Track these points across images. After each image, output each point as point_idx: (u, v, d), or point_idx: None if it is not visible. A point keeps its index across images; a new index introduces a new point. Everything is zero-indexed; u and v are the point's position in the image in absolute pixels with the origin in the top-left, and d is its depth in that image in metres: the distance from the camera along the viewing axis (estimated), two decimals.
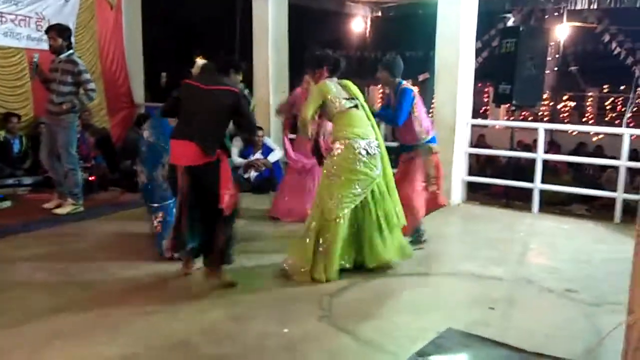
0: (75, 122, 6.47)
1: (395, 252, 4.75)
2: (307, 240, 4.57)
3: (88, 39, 8.99)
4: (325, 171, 4.66)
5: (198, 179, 4.19)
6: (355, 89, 4.75)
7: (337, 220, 4.49)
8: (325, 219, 4.52)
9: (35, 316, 3.77)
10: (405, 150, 5.46)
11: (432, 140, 5.46)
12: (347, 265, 4.66)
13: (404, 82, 5.44)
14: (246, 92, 4.86)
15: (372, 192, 4.62)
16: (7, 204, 6.65)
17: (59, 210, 6.40)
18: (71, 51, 6.33)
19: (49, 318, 3.75)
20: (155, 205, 4.99)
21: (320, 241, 4.53)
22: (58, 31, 6.30)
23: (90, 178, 7.57)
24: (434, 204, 5.62)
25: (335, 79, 4.76)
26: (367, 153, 4.53)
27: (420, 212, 5.38)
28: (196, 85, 4.34)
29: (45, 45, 6.70)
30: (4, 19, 7.80)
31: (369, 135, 4.60)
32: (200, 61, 5.17)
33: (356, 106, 4.65)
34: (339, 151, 4.56)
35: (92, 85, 6.31)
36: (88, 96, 6.30)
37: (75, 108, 6.29)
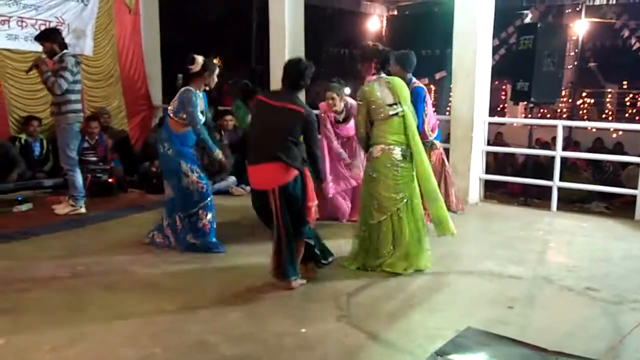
0: (75, 124, 6.40)
1: (426, 259, 4.80)
2: (356, 241, 4.85)
3: (107, 42, 9.10)
4: (365, 176, 4.82)
5: (289, 196, 4.18)
6: (401, 89, 4.71)
7: (380, 222, 4.66)
8: (369, 222, 4.71)
9: (56, 316, 3.83)
10: None
11: (437, 137, 5.63)
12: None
13: (414, 79, 5.46)
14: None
15: (409, 199, 4.69)
16: (28, 206, 6.75)
17: (58, 210, 6.48)
18: (64, 51, 6.29)
19: (70, 318, 3.81)
20: (195, 210, 5.11)
21: (366, 241, 4.75)
22: (44, 36, 6.36)
23: (109, 180, 7.65)
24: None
25: (383, 75, 4.74)
26: (404, 158, 4.64)
27: None
28: (266, 101, 4.34)
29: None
30: (24, 24, 7.91)
31: (404, 143, 4.65)
32: (199, 58, 5.12)
33: (397, 114, 4.64)
34: (378, 155, 4.66)
35: (60, 81, 6.12)
36: (55, 84, 6.13)
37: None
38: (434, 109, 6.00)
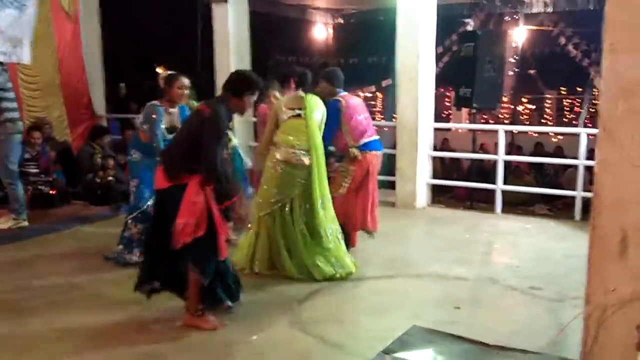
0: (14, 135, 6.25)
1: (325, 266, 4.66)
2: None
3: (46, 50, 8.82)
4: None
5: (163, 205, 3.76)
6: (310, 104, 4.74)
7: (260, 216, 4.71)
8: (256, 215, 4.74)
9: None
10: (336, 157, 5.37)
11: (366, 146, 5.26)
12: (257, 270, 4.73)
13: (344, 92, 5.29)
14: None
15: (295, 202, 4.67)
16: None
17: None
18: None
19: (13, 335, 3.69)
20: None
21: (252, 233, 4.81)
22: None
23: (51, 192, 7.43)
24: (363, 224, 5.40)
25: (300, 93, 4.82)
26: (288, 162, 4.65)
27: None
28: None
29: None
30: None
31: (299, 144, 4.65)
32: (163, 73, 5.15)
33: (298, 115, 4.71)
34: (269, 152, 4.79)
35: None
36: None
37: None
38: (381, 116, 5.86)
